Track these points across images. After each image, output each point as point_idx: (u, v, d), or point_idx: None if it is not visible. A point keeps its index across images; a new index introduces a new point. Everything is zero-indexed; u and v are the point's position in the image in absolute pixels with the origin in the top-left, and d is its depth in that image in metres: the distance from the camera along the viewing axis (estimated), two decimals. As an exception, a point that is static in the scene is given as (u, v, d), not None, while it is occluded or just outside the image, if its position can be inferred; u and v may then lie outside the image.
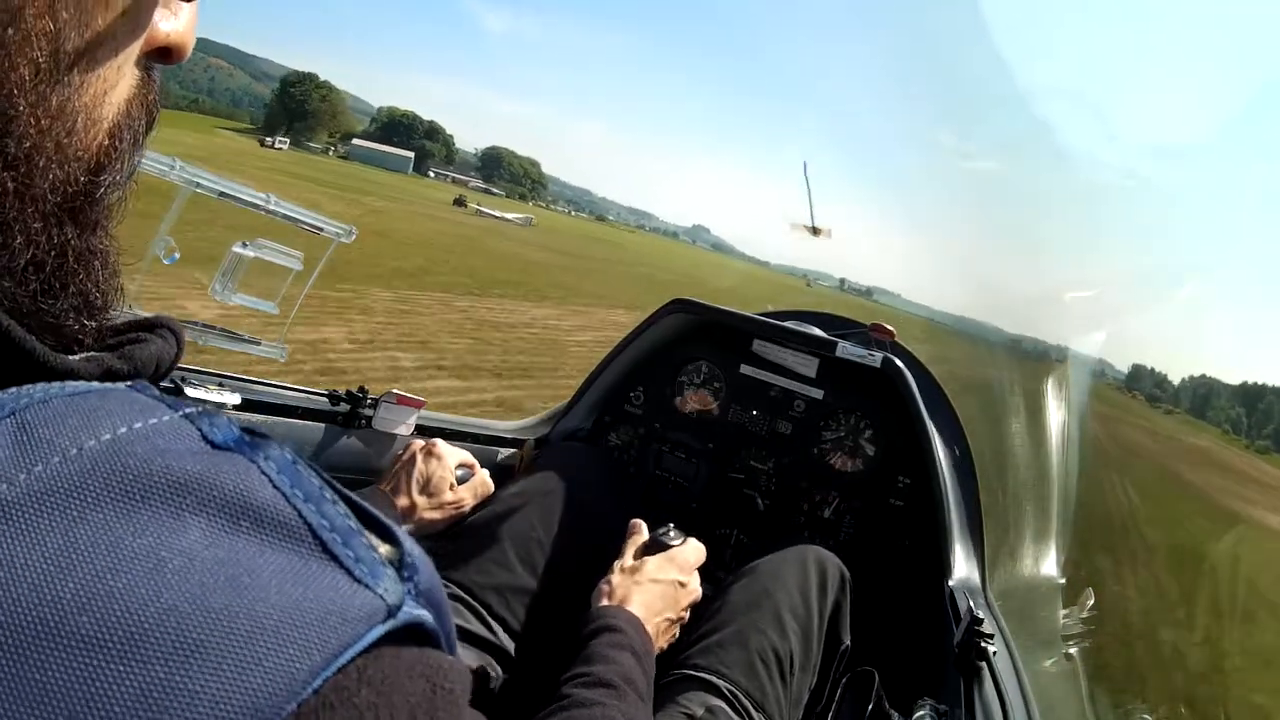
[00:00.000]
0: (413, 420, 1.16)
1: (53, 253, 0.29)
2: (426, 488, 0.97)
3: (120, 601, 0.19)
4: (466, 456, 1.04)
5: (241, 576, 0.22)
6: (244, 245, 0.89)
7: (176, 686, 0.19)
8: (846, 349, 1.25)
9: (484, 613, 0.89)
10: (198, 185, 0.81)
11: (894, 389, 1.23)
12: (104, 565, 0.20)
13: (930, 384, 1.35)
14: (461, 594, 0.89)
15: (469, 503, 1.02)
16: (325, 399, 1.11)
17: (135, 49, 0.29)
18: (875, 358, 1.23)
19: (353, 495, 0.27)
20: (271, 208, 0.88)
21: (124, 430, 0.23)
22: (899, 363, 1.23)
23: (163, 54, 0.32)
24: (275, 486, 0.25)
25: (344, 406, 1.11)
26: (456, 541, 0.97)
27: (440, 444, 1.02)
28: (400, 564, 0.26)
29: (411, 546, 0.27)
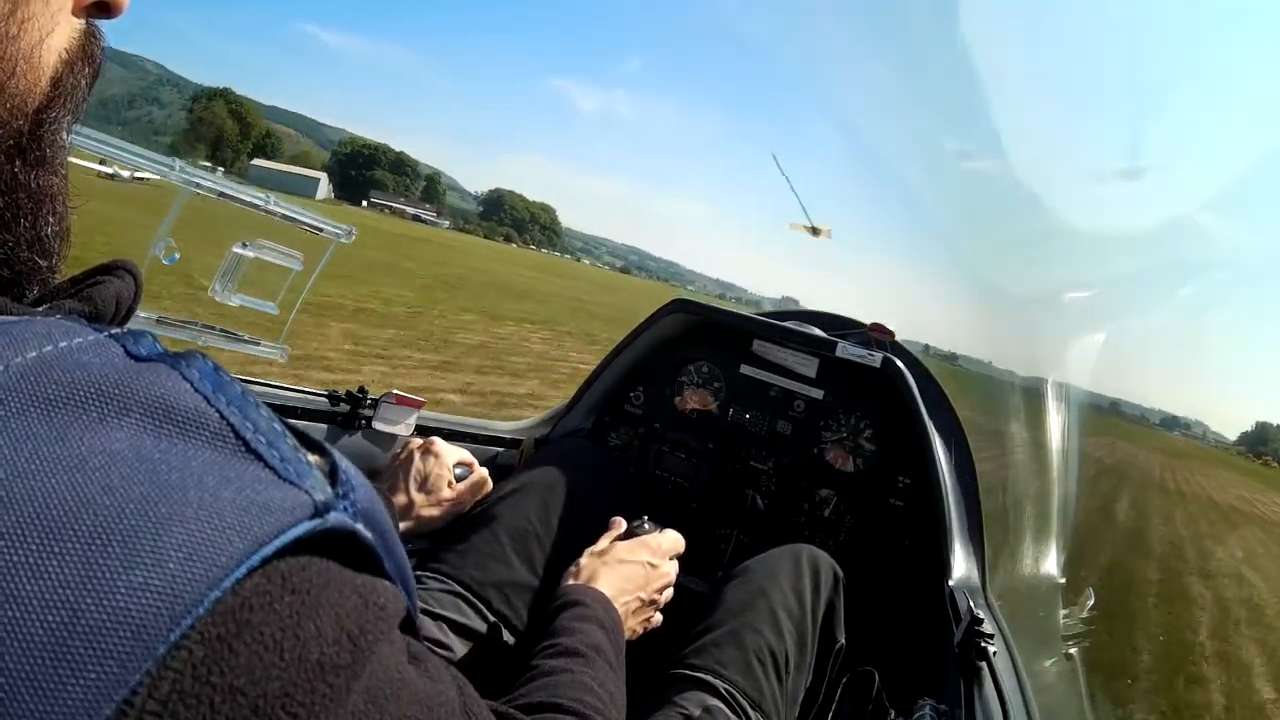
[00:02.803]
0: (412, 420, 1.16)
1: (3, 186, 0.30)
2: (424, 485, 0.97)
3: (40, 498, 0.20)
4: (465, 455, 1.04)
5: (162, 470, 0.22)
6: (244, 245, 0.89)
7: (94, 575, 0.19)
8: (846, 349, 1.24)
9: (484, 608, 0.89)
10: (197, 186, 0.81)
11: (894, 389, 1.23)
12: (25, 467, 0.20)
13: (930, 384, 1.35)
14: (461, 590, 0.89)
15: (467, 501, 1.02)
16: (325, 399, 1.11)
17: (66, 1, 0.31)
18: (875, 358, 1.23)
19: (289, 421, 0.27)
20: (271, 208, 0.88)
21: (49, 348, 0.24)
22: (899, 363, 1.23)
23: (101, 8, 0.33)
24: (197, 391, 0.25)
25: (344, 407, 1.11)
26: (456, 538, 0.97)
27: (438, 442, 1.02)
28: (332, 476, 0.26)
29: (348, 466, 0.27)
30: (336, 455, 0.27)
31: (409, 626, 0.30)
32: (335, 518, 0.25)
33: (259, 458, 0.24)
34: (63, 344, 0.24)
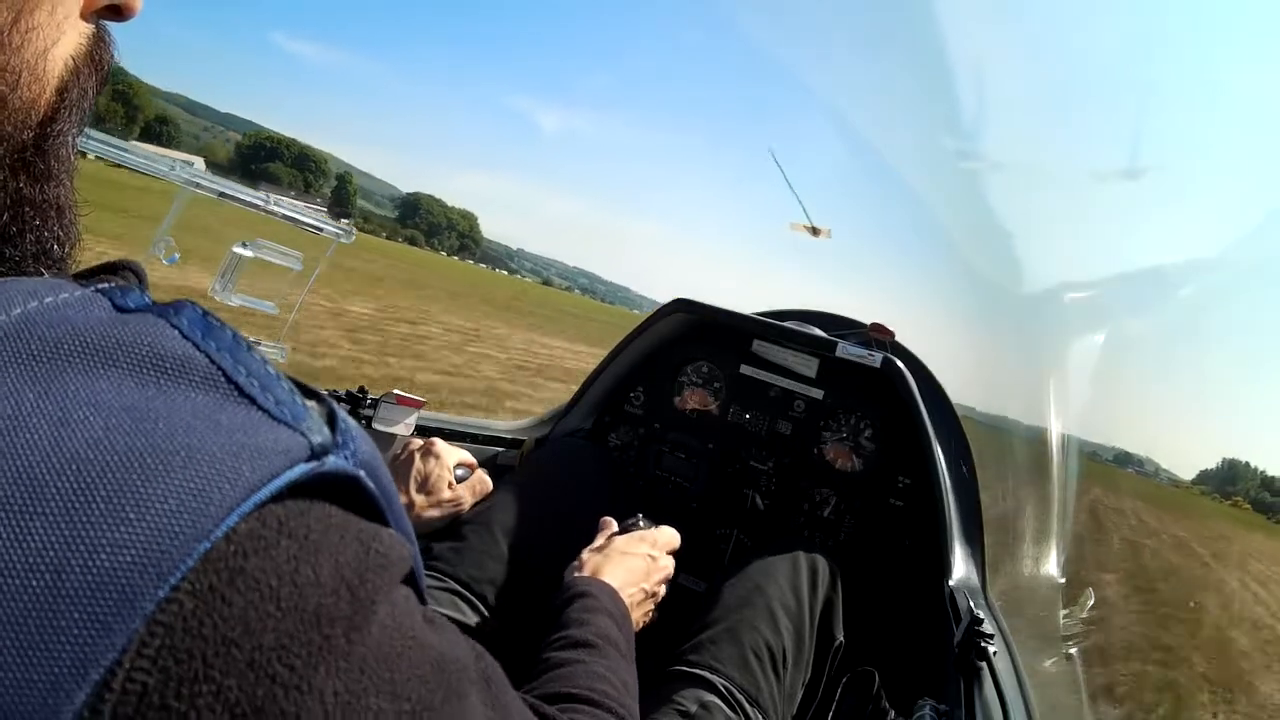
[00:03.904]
0: (412, 420, 1.16)
1: (8, 201, 0.29)
2: (424, 486, 0.97)
3: (21, 455, 0.19)
4: (465, 456, 1.04)
5: (149, 420, 0.21)
6: (243, 245, 0.89)
7: (78, 535, 0.18)
8: (846, 349, 1.24)
9: (481, 606, 0.89)
10: (197, 186, 0.82)
11: (894, 389, 1.23)
12: (7, 424, 0.20)
13: (930, 384, 1.35)
14: (459, 588, 0.89)
15: (467, 501, 1.02)
16: None
17: (75, 6, 0.30)
18: (875, 358, 1.23)
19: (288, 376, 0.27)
20: (271, 208, 0.89)
21: (34, 304, 0.23)
22: (899, 363, 1.23)
23: (112, 11, 0.32)
24: (186, 337, 0.24)
25: (343, 407, 1.11)
26: (453, 537, 0.97)
27: (439, 443, 1.02)
28: (331, 423, 0.25)
29: (348, 418, 0.26)
30: (335, 405, 0.26)
31: (415, 586, 0.28)
32: (334, 461, 0.24)
33: (252, 401, 0.23)
34: (48, 299, 0.24)
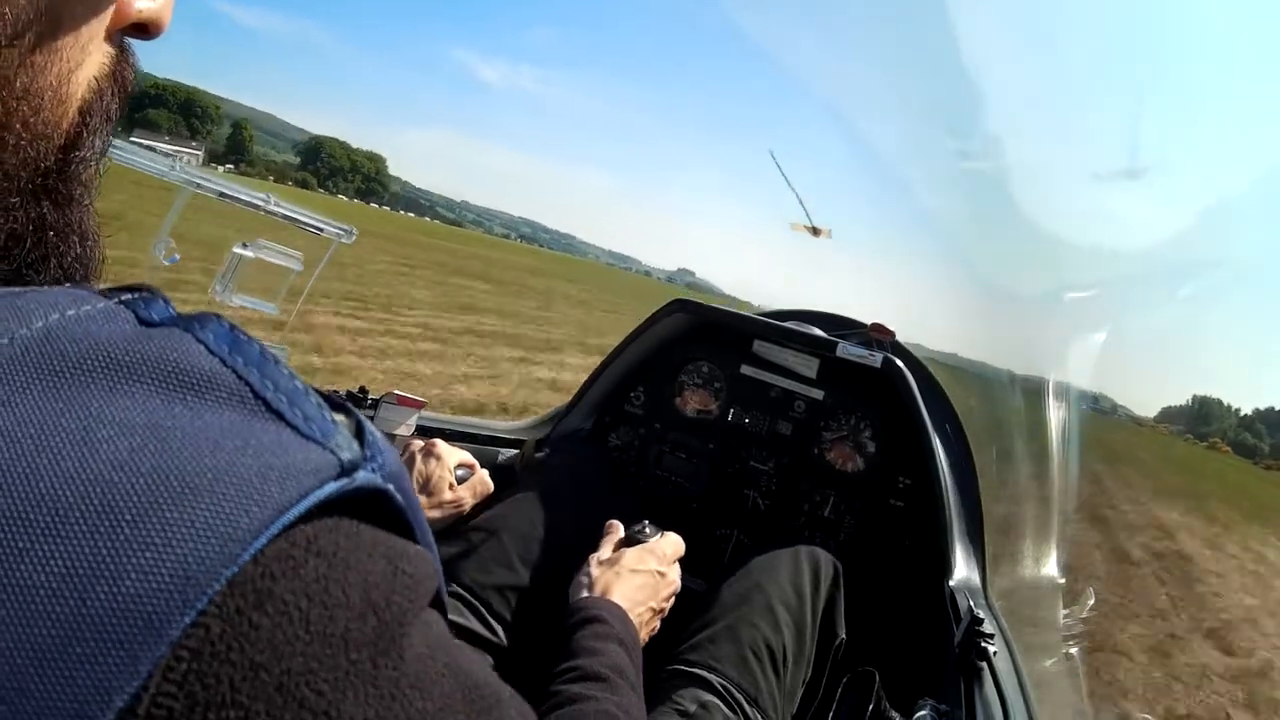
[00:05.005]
0: (413, 421, 1.16)
1: (30, 227, 0.29)
2: (425, 487, 0.97)
3: (45, 477, 0.19)
4: (466, 457, 1.04)
5: (175, 439, 0.21)
6: (244, 246, 0.89)
7: (103, 560, 0.18)
8: (847, 349, 1.25)
9: (484, 610, 0.89)
10: (197, 185, 0.81)
11: (894, 389, 1.23)
12: (30, 444, 0.19)
13: (930, 384, 1.35)
14: (461, 592, 0.89)
15: (469, 502, 1.02)
16: None
17: (101, 27, 0.29)
18: (875, 358, 1.23)
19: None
20: (271, 208, 0.88)
21: (56, 317, 0.23)
22: (899, 363, 1.23)
23: (139, 29, 0.31)
24: (212, 353, 0.24)
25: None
26: (456, 541, 0.97)
27: (440, 444, 1.02)
28: (359, 436, 0.25)
29: (374, 429, 0.26)
30: (362, 417, 0.26)
31: (440, 605, 0.28)
32: (364, 476, 0.23)
33: (280, 417, 0.23)
34: (70, 312, 0.23)
